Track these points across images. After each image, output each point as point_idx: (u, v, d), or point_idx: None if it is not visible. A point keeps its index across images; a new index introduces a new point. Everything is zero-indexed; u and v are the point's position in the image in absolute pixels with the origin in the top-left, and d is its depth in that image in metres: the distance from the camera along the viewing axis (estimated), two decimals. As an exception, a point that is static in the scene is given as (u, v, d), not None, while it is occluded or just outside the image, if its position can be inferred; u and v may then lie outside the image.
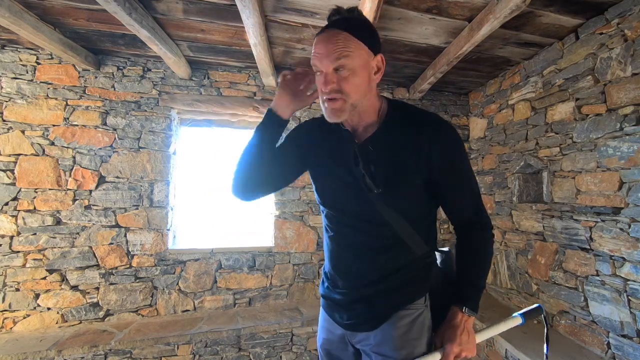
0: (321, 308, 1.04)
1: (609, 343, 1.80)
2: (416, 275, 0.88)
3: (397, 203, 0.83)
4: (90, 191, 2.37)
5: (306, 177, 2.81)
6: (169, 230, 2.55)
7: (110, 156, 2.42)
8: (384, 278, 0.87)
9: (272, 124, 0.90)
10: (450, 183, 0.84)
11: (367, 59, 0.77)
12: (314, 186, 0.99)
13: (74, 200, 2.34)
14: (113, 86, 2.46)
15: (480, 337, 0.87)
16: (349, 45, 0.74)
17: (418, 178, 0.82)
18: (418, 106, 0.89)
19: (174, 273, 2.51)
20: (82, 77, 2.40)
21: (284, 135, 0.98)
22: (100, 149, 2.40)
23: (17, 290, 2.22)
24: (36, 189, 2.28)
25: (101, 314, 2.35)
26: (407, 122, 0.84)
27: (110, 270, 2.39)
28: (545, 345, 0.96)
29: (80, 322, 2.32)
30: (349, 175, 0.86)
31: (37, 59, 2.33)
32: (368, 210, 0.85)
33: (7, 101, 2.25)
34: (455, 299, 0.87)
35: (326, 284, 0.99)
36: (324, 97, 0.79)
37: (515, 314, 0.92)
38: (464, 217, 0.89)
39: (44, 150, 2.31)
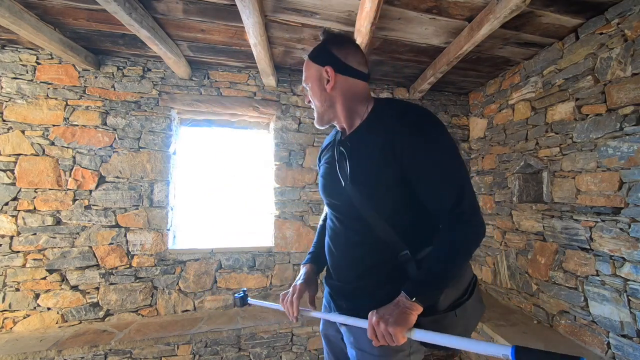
0: (324, 299, 1.12)
1: (609, 343, 1.80)
2: (395, 275, 0.86)
3: (367, 197, 0.85)
4: (90, 191, 2.37)
5: (305, 177, 2.81)
6: (169, 230, 2.55)
7: (110, 156, 2.42)
8: (362, 274, 0.92)
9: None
10: (420, 173, 0.81)
11: (317, 73, 0.94)
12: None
13: (74, 200, 2.34)
14: (113, 86, 2.46)
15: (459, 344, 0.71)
16: (307, 68, 0.97)
17: (388, 171, 0.82)
18: (414, 103, 0.93)
19: (174, 273, 2.51)
20: (82, 77, 2.40)
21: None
22: (100, 149, 2.40)
23: (17, 290, 2.22)
24: (36, 189, 2.28)
25: (101, 314, 2.35)
26: (383, 116, 0.89)
27: (110, 270, 2.39)
28: None
29: (80, 322, 2.32)
30: (334, 170, 0.94)
31: (37, 59, 2.33)
32: (345, 202, 0.91)
33: (7, 101, 2.25)
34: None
35: (326, 274, 1.09)
36: None
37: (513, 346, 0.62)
38: (441, 210, 0.82)
39: (44, 150, 2.31)
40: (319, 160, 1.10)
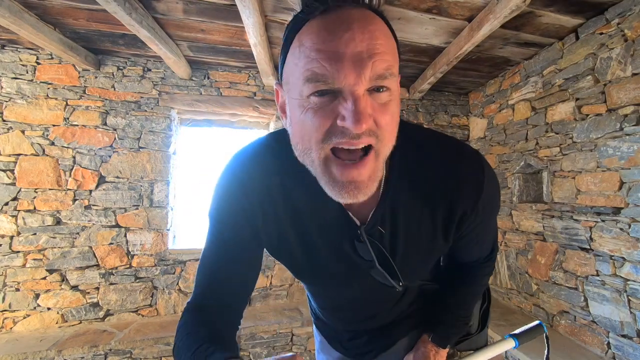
0: (314, 327, 0.93)
1: (609, 343, 1.80)
2: (421, 307, 0.81)
3: (414, 279, 0.70)
4: (90, 191, 2.37)
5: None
6: (169, 230, 2.55)
7: (110, 156, 2.42)
8: (388, 322, 0.80)
9: None
10: (477, 238, 0.66)
11: (397, 76, 0.47)
12: (279, 260, 0.65)
13: (74, 200, 2.34)
14: (113, 86, 2.46)
15: None
16: (392, 47, 0.44)
17: (445, 249, 0.63)
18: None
19: (174, 273, 2.51)
20: (82, 77, 2.40)
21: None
22: (100, 149, 2.40)
23: (17, 290, 2.22)
24: (36, 189, 2.27)
25: (101, 314, 2.35)
26: (427, 172, 0.55)
27: (110, 270, 2.38)
28: None
29: (80, 322, 2.32)
30: (344, 259, 0.59)
31: (37, 59, 2.32)
32: (375, 294, 0.68)
33: (7, 101, 2.25)
34: (428, 324, 0.77)
35: (320, 320, 0.88)
36: (336, 146, 0.42)
37: (507, 335, 0.80)
38: (478, 260, 0.74)
39: (44, 150, 2.31)
40: (257, 235, 0.59)
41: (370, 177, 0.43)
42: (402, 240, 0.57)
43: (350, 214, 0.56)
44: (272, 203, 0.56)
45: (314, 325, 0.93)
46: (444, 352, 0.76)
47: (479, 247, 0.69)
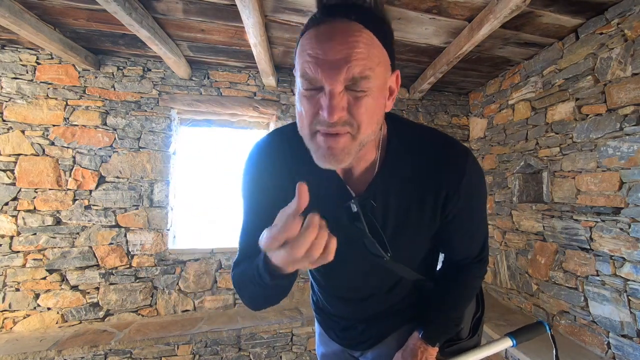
0: (315, 321, 0.98)
1: (609, 343, 1.80)
2: (414, 302, 0.83)
3: (405, 260, 0.72)
4: (90, 191, 2.37)
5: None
6: (168, 230, 2.55)
7: (110, 156, 2.42)
8: (382, 311, 0.83)
9: (277, 284, 0.55)
10: (462, 228, 0.71)
11: (386, 76, 0.53)
12: None
13: (74, 200, 2.34)
14: (113, 86, 2.46)
15: None
16: (373, 52, 0.49)
17: (432, 230, 0.69)
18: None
19: (174, 273, 2.51)
20: (82, 77, 2.40)
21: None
22: (100, 149, 2.40)
23: (17, 290, 2.22)
24: (36, 189, 2.27)
25: (101, 314, 2.35)
26: (417, 158, 0.64)
27: (110, 270, 2.38)
28: None
29: (80, 322, 2.32)
30: (341, 229, 0.62)
31: (37, 59, 2.32)
32: (368, 267, 0.73)
33: (7, 101, 2.25)
34: (419, 321, 0.79)
35: (319, 305, 0.93)
36: (320, 130, 0.51)
37: (506, 334, 0.79)
38: (467, 258, 0.77)
39: (44, 150, 2.31)
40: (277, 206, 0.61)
41: (343, 149, 0.51)
42: (393, 216, 0.65)
43: (349, 187, 0.65)
44: (278, 175, 0.68)
45: (315, 319, 0.97)
46: (432, 351, 0.77)
47: (467, 240, 0.74)
